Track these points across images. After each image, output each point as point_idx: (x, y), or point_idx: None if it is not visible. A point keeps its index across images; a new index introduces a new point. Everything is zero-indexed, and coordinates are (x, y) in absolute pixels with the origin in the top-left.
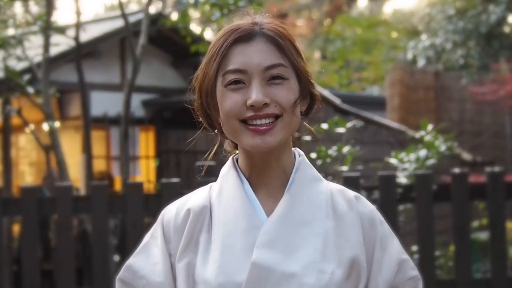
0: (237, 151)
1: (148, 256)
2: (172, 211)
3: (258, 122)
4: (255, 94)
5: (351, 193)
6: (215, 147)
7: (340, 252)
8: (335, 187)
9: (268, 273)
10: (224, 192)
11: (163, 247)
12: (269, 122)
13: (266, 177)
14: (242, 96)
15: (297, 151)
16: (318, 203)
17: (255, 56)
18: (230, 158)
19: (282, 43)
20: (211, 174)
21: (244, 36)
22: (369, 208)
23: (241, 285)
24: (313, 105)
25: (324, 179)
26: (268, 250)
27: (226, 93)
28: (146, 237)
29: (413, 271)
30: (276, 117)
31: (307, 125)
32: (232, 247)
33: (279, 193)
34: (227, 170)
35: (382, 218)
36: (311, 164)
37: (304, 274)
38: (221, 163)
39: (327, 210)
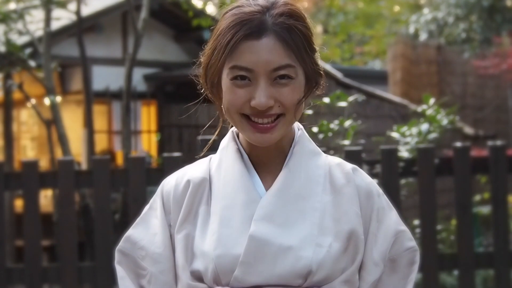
0: None
1: (148, 227)
2: (171, 183)
3: (260, 120)
4: (259, 96)
5: (349, 166)
6: (220, 125)
7: (338, 226)
8: (334, 160)
9: (265, 246)
10: (224, 165)
11: (163, 218)
12: (270, 121)
13: (265, 157)
14: (246, 93)
15: (297, 125)
16: (316, 178)
17: (263, 55)
18: (230, 131)
19: (291, 42)
20: (214, 149)
21: (254, 32)
22: (366, 180)
23: (239, 258)
24: (315, 90)
25: (322, 153)
26: (265, 223)
27: (230, 86)
28: (145, 209)
29: (410, 242)
30: (278, 115)
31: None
32: (230, 220)
33: (278, 167)
34: (227, 142)
35: (380, 190)
36: (310, 138)
37: (301, 247)
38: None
39: (325, 184)
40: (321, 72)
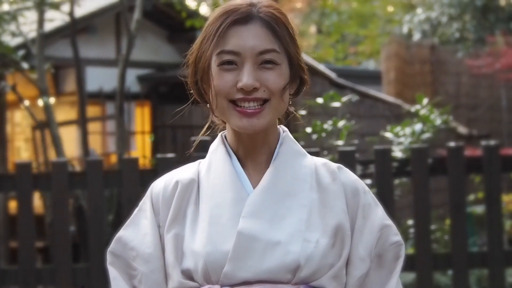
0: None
1: (138, 228)
2: (160, 184)
3: (246, 104)
4: (246, 77)
5: (334, 165)
6: (208, 123)
7: (324, 222)
8: (319, 161)
9: (254, 241)
10: (213, 166)
11: (152, 219)
12: (257, 106)
13: (253, 152)
14: (233, 77)
15: (281, 127)
16: (302, 176)
17: (250, 39)
18: (219, 134)
19: (277, 29)
20: (206, 150)
21: (242, 19)
22: (352, 178)
23: (228, 254)
24: (302, 88)
25: (308, 154)
26: (253, 219)
27: (218, 72)
28: (135, 211)
29: (396, 237)
30: (265, 100)
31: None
32: (219, 218)
33: (264, 167)
34: (216, 146)
35: (366, 187)
36: (295, 140)
37: (290, 242)
38: (215, 138)
39: (311, 182)
40: (305, 69)
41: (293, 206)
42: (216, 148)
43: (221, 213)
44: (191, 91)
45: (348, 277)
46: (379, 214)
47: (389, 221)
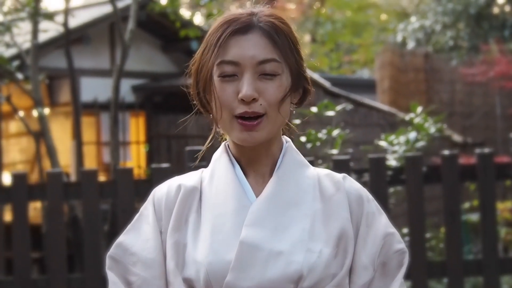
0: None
1: (139, 233)
2: (163, 190)
3: (247, 117)
4: (246, 88)
5: (338, 175)
6: (212, 134)
7: (328, 231)
8: (322, 171)
9: (256, 251)
10: (216, 174)
11: (155, 224)
12: (256, 118)
13: (255, 163)
14: (234, 88)
15: (284, 138)
16: (305, 187)
17: (249, 49)
18: (223, 144)
19: (277, 38)
20: (202, 159)
21: (242, 28)
22: (356, 186)
23: (230, 263)
24: (305, 98)
25: (310, 165)
26: (256, 228)
27: (220, 83)
28: (136, 216)
29: (399, 244)
30: (261, 115)
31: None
32: (221, 226)
33: (267, 177)
34: (219, 154)
35: (370, 196)
36: (298, 151)
37: (292, 252)
38: (213, 149)
39: (315, 193)
40: (308, 78)
41: (296, 216)
42: (220, 157)
43: (223, 222)
44: (194, 102)
45: (352, 285)
46: (383, 222)
47: (392, 229)
